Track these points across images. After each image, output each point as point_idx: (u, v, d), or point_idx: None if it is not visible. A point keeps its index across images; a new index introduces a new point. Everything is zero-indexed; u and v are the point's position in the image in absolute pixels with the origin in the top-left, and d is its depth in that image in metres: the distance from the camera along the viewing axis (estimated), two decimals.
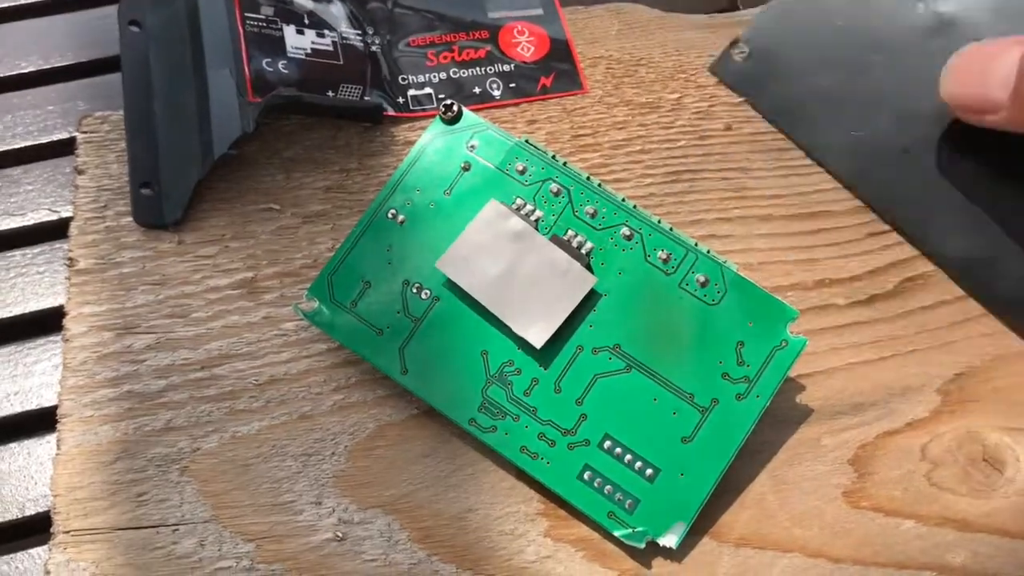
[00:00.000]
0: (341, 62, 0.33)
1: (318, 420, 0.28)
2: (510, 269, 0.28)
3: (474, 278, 0.28)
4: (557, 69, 0.34)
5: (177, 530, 0.27)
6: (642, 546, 0.26)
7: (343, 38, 0.33)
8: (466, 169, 0.29)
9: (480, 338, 0.28)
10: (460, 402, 0.28)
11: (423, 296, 0.28)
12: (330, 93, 0.32)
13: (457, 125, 0.30)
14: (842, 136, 0.33)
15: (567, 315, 0.28)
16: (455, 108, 0.30)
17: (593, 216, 0.29)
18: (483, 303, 0.28)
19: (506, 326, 0.28)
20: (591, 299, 0.28)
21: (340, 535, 0.27)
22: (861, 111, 0.33)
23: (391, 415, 0.29)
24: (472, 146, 0.29)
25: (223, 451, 0.28)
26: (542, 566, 0.27)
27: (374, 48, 0.34)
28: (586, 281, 0.28)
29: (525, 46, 0.35)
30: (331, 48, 0.33)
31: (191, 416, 0.28)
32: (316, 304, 0.29)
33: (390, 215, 0.29)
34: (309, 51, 0.32)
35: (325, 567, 0.26)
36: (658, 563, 0.27)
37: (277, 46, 0.32)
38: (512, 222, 0.28)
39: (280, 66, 0.32)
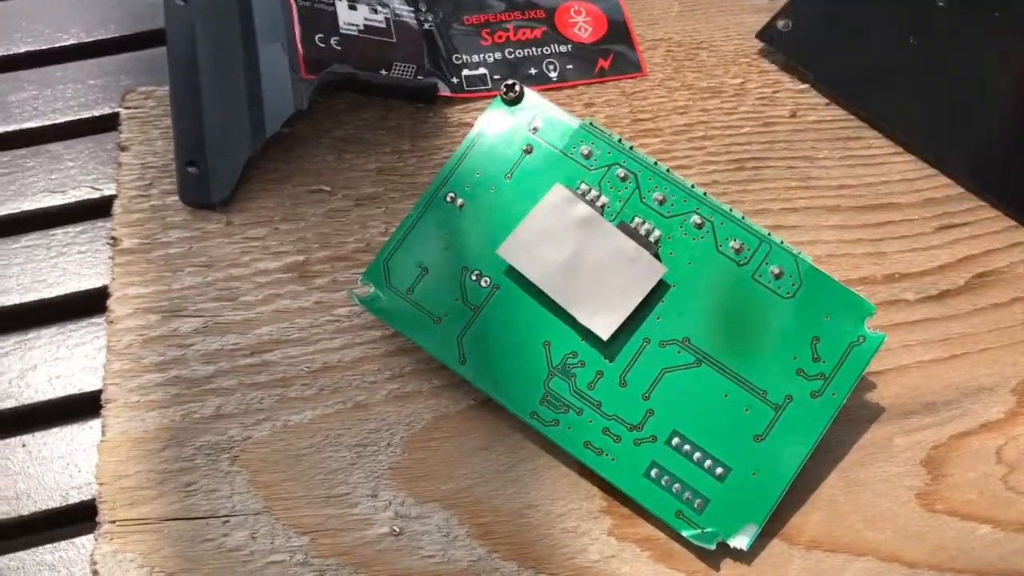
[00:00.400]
0: (394, 40, 0.32)
1: (373, 410, 0.27)
2: (575, 257, 0.27)
3: (537, 266, 0.27)
4: (615, 51, 0.33)
5: (227, 522, 0.26)
6: (712, 547, 0.25)
7: (396, 15, 0.32)
8: (528, 152, 0.28)
9: (542, 328, 0.27)
10: (521, 394, 0.27)
11: (483, 284, 0.27)
12: (383, 72, 0.31)
13: (519, 106, 0.29)
14: (892, 101, 0.32)
15: (635, 306, 0.26)
16: (517, 88, 0.28)
17: (662, 203, 0.27)
18: (546, 292, 0.27)
19: (570, 316, 0.27)
20: (659, 290, 0.27)
21: (397, 530, 0.26)
22: (911, 75, 0.33)
23: (447, 406, 0.28)
24: (535, 128, 0.28)
25: (275, 440, 0.27)
26: (606, 565, 0.26)
27: (428, 26, 0.33)
28: (655, 271, 0.27)
29: (582, 26, 0.34)
30: (384, 25, 0.32)
31: (241, 403, 0.27)
32: (371, 289, 0.28)
33: (448, 199, 0.28)
34: (362, 27, 0.31)
35: (381, 563, 0.25)
36: (727, 565, 0.26)
37: (329, 21, 0.31)
38: (577, 208, 0.27)
39: (332, 42, 0.31)
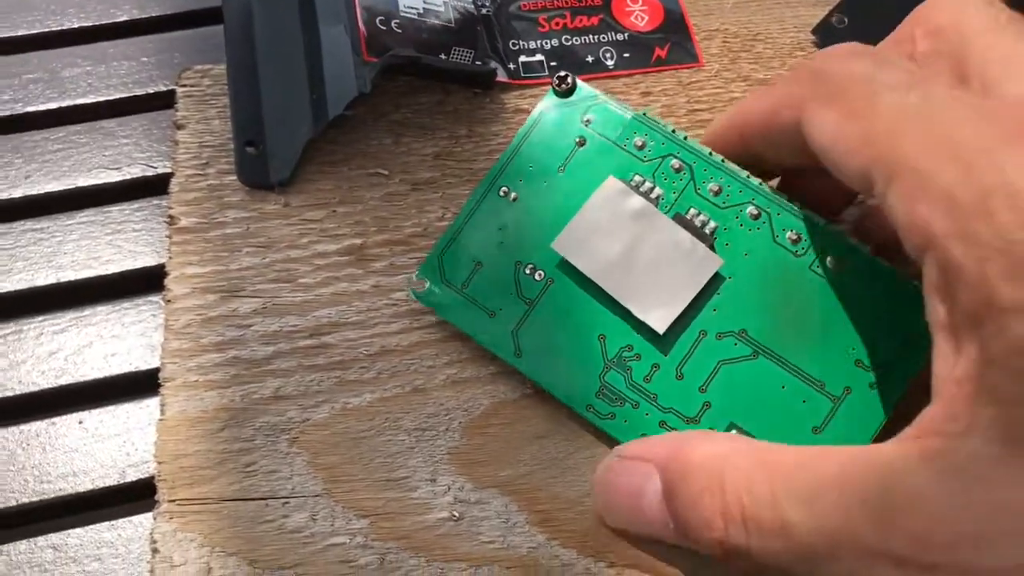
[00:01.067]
0: (453, 24, 0.32)
1: (431, 394, 0.27)
2: (629, 250, 0.27)
3: (591, 259, 0.27)
4: (672, 40, 0.33)
5: (288, 503, 0.26)
6: None
7: None
8: (581, 144, 0.28)
9: (597, 322, 0.27)
10: (577, 387, 0.27)
11: (536, 277, 0.27)
12: (442, 56, 0.31)
13: (571, 98, 0.28)
14: None
15: (691, 299, 0.26)
16: (569, 80, 0.28)
17: (717, 194, 0.27)
18: (601, 286, 0.27)
19: (625, 310, 0.26)
20: (715, 282, 0.27)
21: (456, 515, 0.26)
22: None
23: (505, 393, 0.28)
24: (587, 120, 0.28)
25: (334, 422, 0.27)
26: None
27: (485, 11, 0.32)
28: (711, 262, 0.26)
29: (639, 15, 0.33)
30: (443, 9, 0.32)
31: (300, 385, 0.27)
32: (427, 284, 0.28)
33: (502, 192, 0.28)
34: (421, 11, 0.31)
35: (441, 547, 0.26)
36: None
37: (390, 4, 0.31)
38: (632, 200, 0.27)
39: (393, 25, 0.30)
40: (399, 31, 0.30)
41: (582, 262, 0.27)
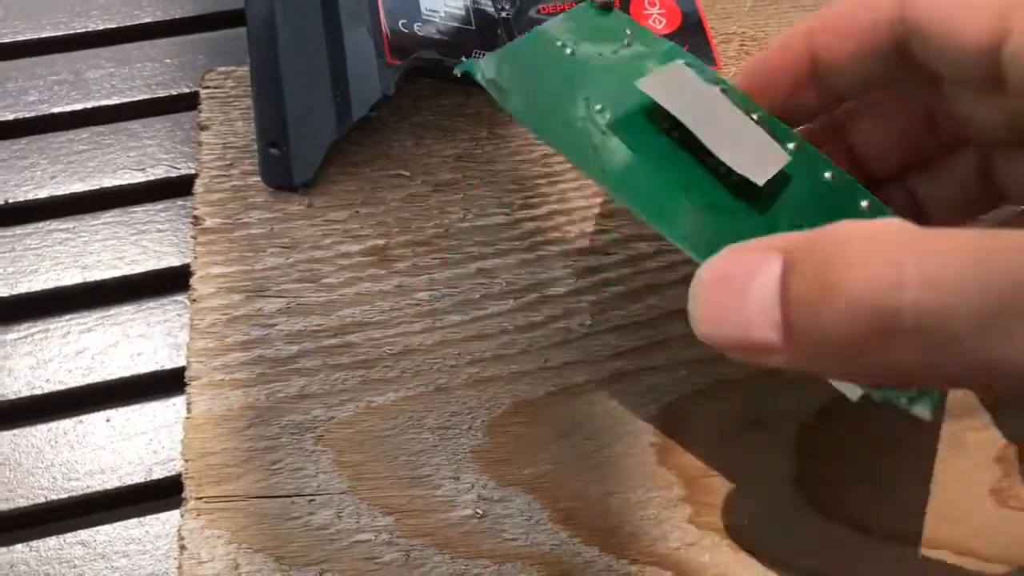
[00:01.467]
0: (473, 27, 0.32)
1: (454, 393, 0.28)
2: (710, 112, 0.25)
3: (679, 102, 0.24)
4: (689, 43, 0.33)
5: (313, 500, 0.26)
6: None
7: (475, 3, 0.32)
8: (628, 44, 0.27)
9: (678, 169, 0.25)
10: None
11: (606, 117, 0.25)
12: (463, 58, 0.31)
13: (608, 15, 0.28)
14: None
15: (786, 160, 0.24)
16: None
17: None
18: (691, 129, 0.24)
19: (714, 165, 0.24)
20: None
21: (480, 512, 0.26)
22: None
23: (527, 392, 0.28)
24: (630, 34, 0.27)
25: (359, 421, 0.27)
26: (686, 553, 0.26)
27: (505, 14, 0.33)
28: (780, 156, 0.24)
29: (656, 18, 0.34)
30: (463, 12, 0.32)
31: (325, 383, 0.28)
32: (490, 74, 0.25)
33: (559, 44, 0.27)
34: (443, 14, 0.32)
35: (465, 544, 0.26)
36: (803, 555, 0.26)
37: (412, 7, 0.31)
38: (700, 84, 0.25)
39: (415, 28, 0.31)
40: (421, 34, 0.31)
41: (671, 103, 0.24)
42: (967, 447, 0.28)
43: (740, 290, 0.19)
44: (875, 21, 0.23)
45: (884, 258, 0.17)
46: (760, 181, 0.23)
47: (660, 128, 0.25)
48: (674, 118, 0.24)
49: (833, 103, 0.26)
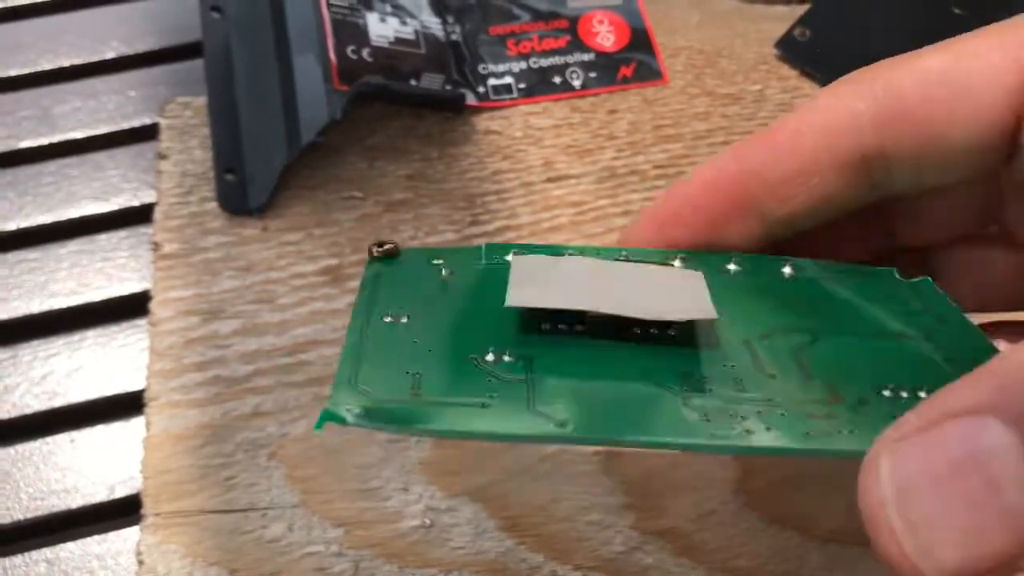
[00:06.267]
0: (423, 51, 0.33)
1: None
2: (602, 273, 0.21)
3: (565, 294, 0.20)
4: (637, 59, 0.34)
5: (266, 514, 0.27)
6: None
7: (424, 27, 0.33)
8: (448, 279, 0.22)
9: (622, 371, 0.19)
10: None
11: (507, 359, 0.19)
12: (413, 82, 0.32)
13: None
14: None
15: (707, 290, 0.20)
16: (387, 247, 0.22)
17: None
18: (598, 311, 0.19)
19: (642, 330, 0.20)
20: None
21: (428, 522, 0.27)
22: None
23: None
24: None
25: (310, 436, 0.28)
26: (630, 557, 0.27)
27: (455, 37, 0.34)
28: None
29: (605, 35, 0.35)
30: (413, 37, 0.33)
31: (278, 401, 0.28)
32: (356, 409, 0.17)
33: (388, 320, 0.20)
34: (392, 39, 0.32)
35: (414, 553, 0.27)
36: (744, 556, 0.27)
37: (361, 34, 0.32)
38: (564, 261, 0.21)
39: (364, 54, 0.32)
40: (370, 59, 0.32)
41: (557, 301, 0.19)
42: None
43: (989, 480, 0.13)
44: (832, 152, 0.20)
45: None
46: (713, 315, 0.19)
47: (566, 335, 0.20)
48: (570, 314, 0.20)
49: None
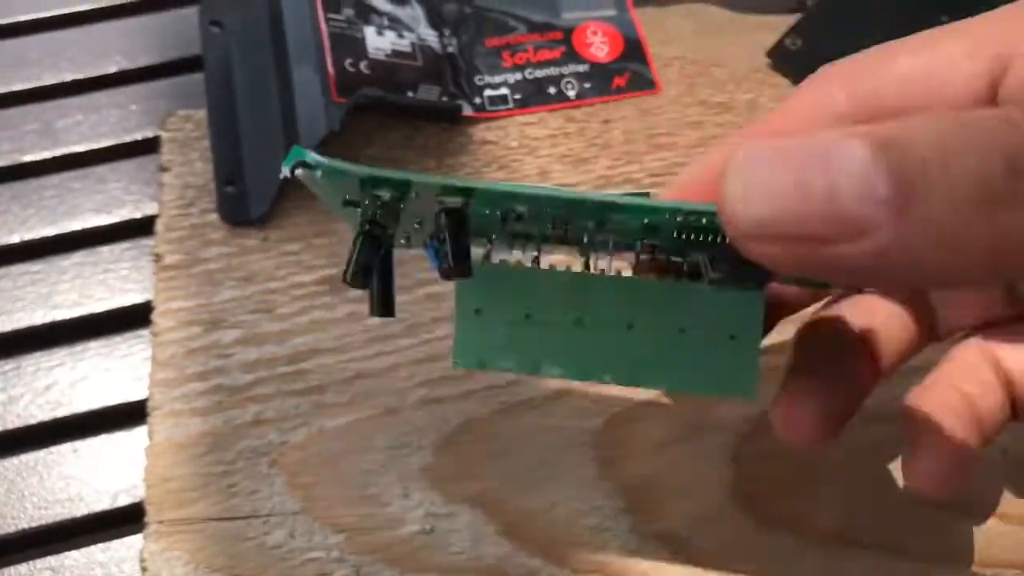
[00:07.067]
0: (419, 63, 0.33)
1: (404, 414, 0.29)
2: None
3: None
4: (631, 69, 0.35)
5: (267, 521, 0.27)
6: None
7: (421, 39, 0.34)
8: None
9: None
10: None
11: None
12: (409, 93, 0.33)
13: None
14: None
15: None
16: None
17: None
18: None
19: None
20: None
21: (428, 528, 0.27)
22: None
23: (475, 410, 0.29)
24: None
25: (311, 444, 0.28)
26: (628, 561, 0.27)
27: (451, 49, 0.34)
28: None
29: (599, 46, 0.35)
30: (410, 49, 0.33)
31: (279, 410, 0.29)
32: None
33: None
34: (389, 52, 0.33)
35: (414, 559, 0.27)
36: (741, 558, 0.27)
37: (359, 47, 0.32)
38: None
39: (362, 66, 0.32)
40: (368, 72, 0.32)
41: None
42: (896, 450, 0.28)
43: (820, 162, 0.15)
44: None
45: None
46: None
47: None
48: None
49: None
